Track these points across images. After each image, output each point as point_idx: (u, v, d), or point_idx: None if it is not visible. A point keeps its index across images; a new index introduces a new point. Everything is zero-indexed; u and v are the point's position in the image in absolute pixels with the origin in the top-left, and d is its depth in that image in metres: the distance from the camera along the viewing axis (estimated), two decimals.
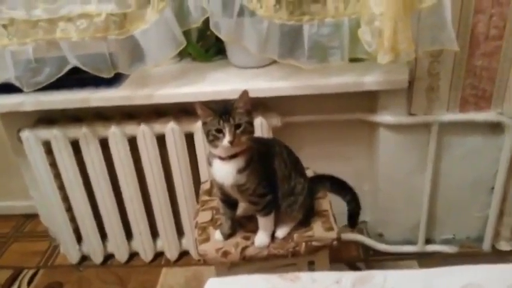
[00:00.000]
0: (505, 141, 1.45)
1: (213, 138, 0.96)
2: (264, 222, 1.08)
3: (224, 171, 1.00)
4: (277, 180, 1.06)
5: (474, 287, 0.76)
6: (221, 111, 0.96)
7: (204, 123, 0.99)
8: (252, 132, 0.99)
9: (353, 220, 1.22)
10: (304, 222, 1.13)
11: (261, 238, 1.09)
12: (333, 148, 1.63)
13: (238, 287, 0.83)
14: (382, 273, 0.82)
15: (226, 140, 0.94)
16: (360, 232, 1.77)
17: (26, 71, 1.35)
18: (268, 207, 1.06)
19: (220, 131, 0.95)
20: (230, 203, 1.10)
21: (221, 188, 1.06)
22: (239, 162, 0.99)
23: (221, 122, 0.95)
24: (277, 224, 1.11)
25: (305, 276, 0.84)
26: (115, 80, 1.43)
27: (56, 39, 1.29)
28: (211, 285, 0.84)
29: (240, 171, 0.99)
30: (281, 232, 1.10)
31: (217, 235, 1.11)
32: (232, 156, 0.98)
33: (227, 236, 1.11)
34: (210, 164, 1.03)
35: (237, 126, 0.95)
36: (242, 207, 1.13)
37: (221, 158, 1.00)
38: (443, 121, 1.44)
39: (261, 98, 1.40)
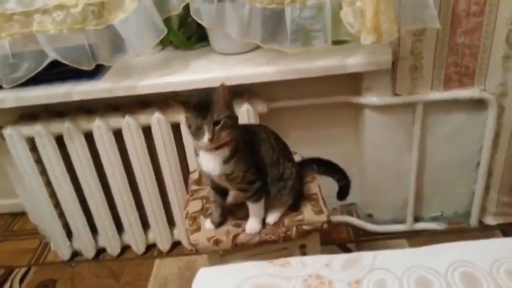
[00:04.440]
0: (488, 117, 1.47)
1: (193, 134, 0.96)
2: (255, 209, 1.08)
3: (210, 162, 0.99)
4: (266, 166, 1.06)
5: (462, 263, 0.78)
6: (199, 108, 0.94)
7: (186, 117, 0.97)
8: (234, 124, 0.97)
9: (344, 192, 1.22)
10: (294, 207, 1.14)
11: (252, 225, 1.09)
12: (320, 132, 1.64)
13: (230, 275, 0.83)
14: (371, 253, 0.83)
15: (205, 137, 0.93)
16: (349, 213, 1.79)
17: (3, 67, 1.33)
18: (258, 193, 1.06)
19: (199, 128, 0.94)
20: (221, 191, 1.10)
21: (209, 177, 1.05)
22: (224, 153, 0.98)
23: (200, 120, 0.93)
24: (267, 210, 1.11)
25: (295, 260, 0.85)
26: (97, 72, 1.41)
27: (33, 32, 1.25)
28: (202, 274, 0.85)
29: (226, 161, 0.98)
30: (272, 218, 1.10)
31: (207, 224, 1.11)
32: (217, 147, 0.97)
33: (217, 224, 1.11)
34: (196, 154, 1.03)
35: (216, 123, 0.93)
36: (232, 195, 1.13)
37: (206, 150, 0.99)
38: (428, 100, 1.45)
39: (245, 85, 1.39)
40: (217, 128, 0.93)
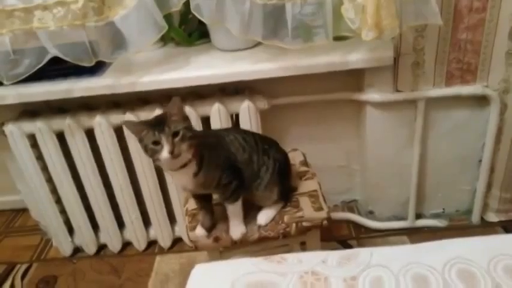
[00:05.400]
0: (490, 113, 1.46)
1: (152, 152, 0.91)
2: (233, 209, 1.07)
3: (181, 179, 0.98)
4: (240, 165, 1.04)
5: (460, 260, 0.78)
6: (154, 123, 0.91)
7: (140, 140, 0.92)
8: (193, 136, 0.93)
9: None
10: (287, 201, 1.13)
11: (235, 229, 1.07)
12: (322, 128, 1.63)
13: (225, 271, 0.83)
14: (368, 250, 0.83)
15: (165, 151, 0.89)
16: (351, 210, 1.79)
17: (4, 63, 1.33)
18: (235, 193, 1.04)
19: (157, 142, 0.89)
20: (203, 196, 1.09)
21: (186, 189, 1.05)
22: (191, 168, 0.95)
23: (156, 133, 0.89)
24: (257, 212, 1.10)
25: (291, 257, 0.85)
26: (98, 68, 1.41)
27: (34, 29, 1.25)
28: (198, 270, 0.85)
29: (195, 174, 0.97)
30: (263, 218, 1.09)
31: (198, 230, 1.09)
32: (182, 166, 0.94)
33: (209, 229, 1.09)
34: (165, 172, 1.01)
35: (175, 134, 0.90)
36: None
37: (172, 170, 0.96)
38: (430, 96, 1.44)
39: (246, 81, 1.39)
40: (176, 139, 0.90)
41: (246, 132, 1.12)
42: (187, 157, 0.93)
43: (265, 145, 1.10)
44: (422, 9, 1.18)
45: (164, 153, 0.89)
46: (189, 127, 0.94)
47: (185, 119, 0.94)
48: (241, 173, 1.05)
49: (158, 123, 0.90)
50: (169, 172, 0.98)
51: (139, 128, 0.93)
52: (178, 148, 0.90)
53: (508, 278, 0.73)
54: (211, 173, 0.99)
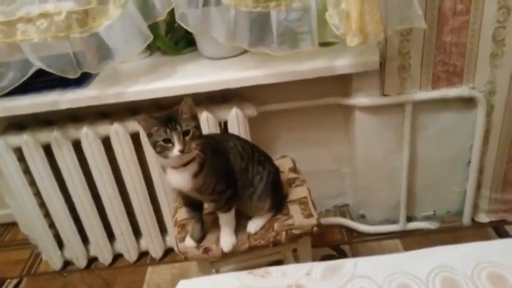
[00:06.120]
0: (478, 115, 1.47)
1: (161, 149, 0.92)
2: (226, 219, 1.06)
3: (180, 179, 0.97)
4: (236, 173, 1.04)
5: (444, 269, 0.77)
6: (166, 119, 0.92)
7: (149, 135, 0.94)
8: (201, 136, 0.95)
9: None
10: (279, 210, 1.12)
11: (226, 240, 1.06)
12: (311, 134, 1.63)
13: (210, 287, 0.82)
14: (353, 260, 0.83)
15: (176, 149, 0.90)
16: (342, 215, 1.79)
17: None
18: (229, 202, 1.04)
19: (168, 140, 0.91)
20: (195, 206, 1.08)
21: (180, 192, 1.04)
22: (193, 168, 0.96)
23: (168, 130, 0.90)
24: (246, 221, 1.10)
25: (275, 270, 0.84)
26: (84, 79, 1.39)
27: (17, 41, 1.24)
28: (182, 287, 0.83)
29: (195, 175, 0.97)
30: (253, 227, 1.09)
31: (187, 241, 1.08)
32: (185, 164, 0.95)
33: (199, 240, 1.08)
34: (164, 171, 1.00)
35: (185, 133, 0.91)
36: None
37: (174, 167, 0.97)
38: (417, 99, 1.45)
39: (234, 89, 1.38)
40: (187, 138, 0.91)
41: (244, 140, 1.12)
42: (193, 156, 0.94)
43: (261, 156, 1.11)
44: (406, 13, 1.19)
45: (175, 151, 0.90)
46: (198, 126, 0.95)
47: (195, 118, 0.95)
48: (236, 181, 1.04)
49: (169, 121, 0.91)
50: (169, 170, 0.98)
51: (150, 123, 0.93)
52: (188, 147, 0.91)
53: (492, 285, 0.73)
54: (210, 177, 0.99)
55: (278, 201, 1.14)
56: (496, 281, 0.74)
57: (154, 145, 0.93)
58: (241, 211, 1.11)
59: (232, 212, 1.06)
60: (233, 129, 1.43)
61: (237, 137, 1.10)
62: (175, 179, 0.98)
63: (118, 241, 1.67)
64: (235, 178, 1.04)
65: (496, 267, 0.76)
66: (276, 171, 1.15)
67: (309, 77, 1.36)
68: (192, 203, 1.08)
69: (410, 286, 0.75)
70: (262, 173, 1.08)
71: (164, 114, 0.94)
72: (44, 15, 1.20)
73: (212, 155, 0.99)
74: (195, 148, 0.93)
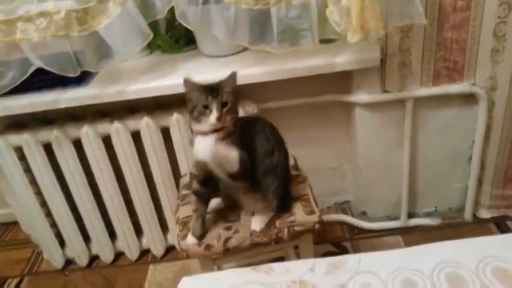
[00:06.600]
0: (479, 111, 1.47)
1: (199, 114, 0.96)
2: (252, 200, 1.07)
3: (205, 144, 0.98)
4: (257, 159, 1.04)
5: (449, 264, 0.77)
6: (210, 88, 0.96)
7: (189, 100, 0.98)
8: (237, 113, 1.00)
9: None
10: (284, 209, 1.12)
11: (257, 220, 1.09)
12: (312, 131, 1.63)
13: (213, 284, 0.82)
14: (356, 256, 0.82)
15: (213, 116, 0.94)
16: (344, 212, 1.79)
17: None
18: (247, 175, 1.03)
19: (207, 107, 0.95)
20: (204, 196, 1.08)
21: (203, 168, 1.03)
22: (220, 134, 0.98)
23: (209, 98, 0.95)
24: (247, 216, 1.09)
25: (278, 266, 0.84)
26: (84, 78, 1.39)
27: (16, 40, 1.24)
28: (185, 284, 0.83)
29: (220, 140, 0.98)
30: (257, 224, 1.08)
31: (189, 238, 1.08)
32: (214, 130, 0.98)
33: (200, 237, 1.08)
34: (191, 143, 1.02)
35: (224, 104, 0.96)
36: (215, 203, 1.13)
37: (203, 133, 0.99)
38: (417, 96, 1.45)
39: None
40: (224, 109, 0.95)
41: (271, 125, 1.11)
42: (224, 126, 0.97)
43: (284, 147, 1.11)
44: (406, 10, 1.19)
45: (212, 118, 0.95)
46: (236, 103, 0.99)
47: (235, 94, 0.98)
48: (255, 167, 1.04)
49: (212, 90, 0.96)
50: (197, 139, 1.00)
51: (195, 88, 0.98)
52: (224, 118, 0.96)
53: (497, 280, 0.73)
54: (233, 146, 0.99)
55: (287, 201, 1.13)
56: (501, 275, 0.74)
57: (192, 109, 0.97)
58: (244, 205, 1.11)
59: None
60: None
61: (268, 123, 1.10)
62: (201, 145, 0.99)
63: (120, 239, 1.67)
64: (255, 164, 1.04)
65: (501, 262, 0.76)
66: (290, 173, 1.15)
67: (309, 74, 1.36)
68: (206, 183, 1.06)
69: (414, 281, 0.75)
70: (282, 166, 1.08)
71: (209, 84, 0.98)
72: (43, 14, 1.20)
73: (239, 133, 1.01)
74: (228, 122, 0.97)
